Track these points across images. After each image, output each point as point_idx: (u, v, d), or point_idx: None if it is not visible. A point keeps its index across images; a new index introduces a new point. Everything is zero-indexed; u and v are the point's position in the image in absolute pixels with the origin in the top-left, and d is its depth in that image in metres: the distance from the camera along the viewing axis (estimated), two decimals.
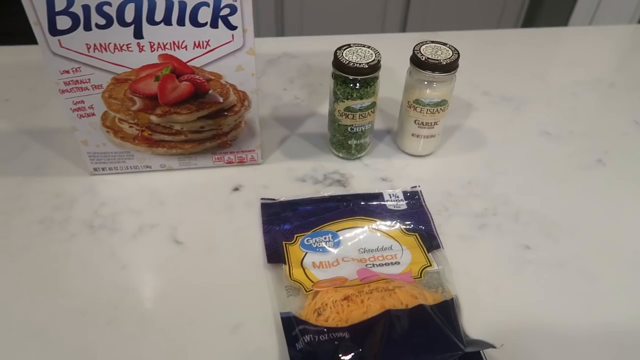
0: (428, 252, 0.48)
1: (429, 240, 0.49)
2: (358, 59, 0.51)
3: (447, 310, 0.41)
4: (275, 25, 1.64)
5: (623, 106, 0.71)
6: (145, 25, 0.44)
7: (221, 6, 0.44)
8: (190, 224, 0.51)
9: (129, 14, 0.43)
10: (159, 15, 0.44)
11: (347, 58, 0.51)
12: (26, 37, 0.72)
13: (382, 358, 0.37)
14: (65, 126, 0.61)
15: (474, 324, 0.43)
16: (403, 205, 0.53)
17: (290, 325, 0.41)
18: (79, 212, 0.52)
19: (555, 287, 0.46)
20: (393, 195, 0.54)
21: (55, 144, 0.59)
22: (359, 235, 0.49)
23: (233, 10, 0.45)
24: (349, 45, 0.53)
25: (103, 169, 0.55)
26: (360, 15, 1.65)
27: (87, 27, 0.43)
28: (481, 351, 0.39)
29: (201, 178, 0.56)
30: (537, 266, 0.48)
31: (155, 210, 0.52)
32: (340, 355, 0.37)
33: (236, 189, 0.55)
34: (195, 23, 0.45)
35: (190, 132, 0.53)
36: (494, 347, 0.39)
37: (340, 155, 0.60)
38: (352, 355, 0.37)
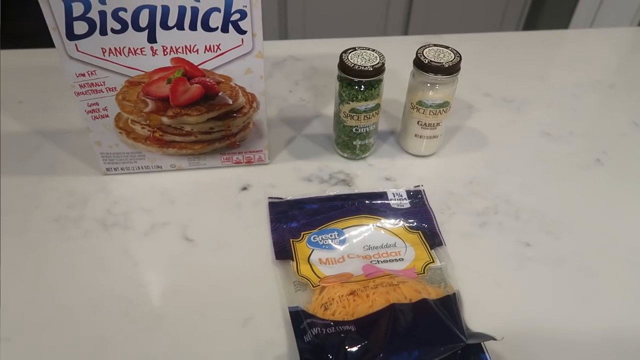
0: (431, 249, 0.49)
1: (432, 238, 0.51)
2: (363, 62, 0.53)
3: (450, 304, 0.43)
4: (279, 28, 1.66)
5: (622, 107, 0.73)
6: (158, 30, 0.46)
7: (232, 11, 0.46)
8: (200, 222, 0.53)
9: (143, 19, 0.45)
10: (172, 20, 0.45)
11: (352, 61, 0.53)
12: (36, 39, 0.74)
13: (387, 350, 0.38)
14: (77, 127, 0.62)
15: (475, 318, 0.44)
16: (406, 203, 0.54)
17: (299, 318, 0.42)
18: (92, 211, 0.53)
19: (555, 283, 0.48)
20: (397, 194, 0.55)
21: (67, 144, 0.61)
22: (363, 233, 0.51)
23: (243, 15, 0.46)
24: (354, 49, 0.55)
25: (115, 169, 0.57)
26: (362, 18, 1.66)
27: (103, 32, 0.45)
28: (482, 343, 0.40)
29: (210, 178, 0.58)
30: (537, 263, 0.50)
31: (166, 209, 0.54)
32: (347, 347, 0.39)
33: (244, 189, 0.57)
34: (206, 28, 0.46)
35: (200, 133, 0.54)
36: (495, 339, 0.40)
37: (345, 155, 0.61)
38: (358, 347, 0.39)
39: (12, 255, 0.48)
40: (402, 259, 0.48)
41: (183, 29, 0.46)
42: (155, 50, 0.47)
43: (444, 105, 0.57)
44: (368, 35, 0.83)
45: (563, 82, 0.78)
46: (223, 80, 0.51)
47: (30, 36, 0.77)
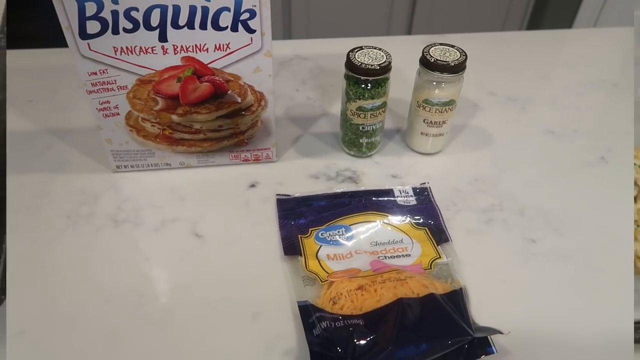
0: (437, 245, 0.50)
1: (438, 234, 0.51)
2: (370, 61, 0.54)
3: (456, 299, 0.43)
4: (283, 28, 1.67)
5: (626, 106, 0.73)
6: (169, 29, 0.47)
7: (241, 11, 0.46)
8: (209, 218, 0.53)
9: (155, 18, 0.46)
10: (182, 19, 0.46)
11: (359, 60, 0.54)
12: (38, 42, 0.75)
13: (395, 343, 0.39)
14: (86, 126, 0.63)
15: (481, 312, 0.45)
16: (413, 200, 0.55)
17: (308, 313, 0.43)
18: (103, 207, 0.54)
19: (560, 279, 0.48)
20: (403, 192, 0.56)
21: (77, 142, 0.62)
22: (370, 229, 0.51)
23: (252, 14, 0.47)
24: (360, 48, 0.56)
25: (125, 167, 0.58)
26: (366, 18, 1.67)
27: (115, 31, 0.46)
28: (489, 337, 0.41)
29: (219, 175, 0.59)
30: (542, 259, 0.50)
31: (176, 206, 0.55)
32: (356, 340, 0.39)
33: (252, 186, 0.57)
34: (216, 27, 0.47)
35: (209, 131, 0.55)
36: (502, 333, 0.41)
37: (352, 153, 0.62)
38: (367, 341, 0.39)
39: (25, 252, 0.49)
40: (409, 255, 0.49)
41: (193, 28, 0.47)
42: (166, 49, 0.48)
43: (450, 103, 0.57)
44: (371, 34, 0.83)
45: (567, 81, 0.78)
46: (232, 78, 0.51)
47: (36, 38, 0.78)
